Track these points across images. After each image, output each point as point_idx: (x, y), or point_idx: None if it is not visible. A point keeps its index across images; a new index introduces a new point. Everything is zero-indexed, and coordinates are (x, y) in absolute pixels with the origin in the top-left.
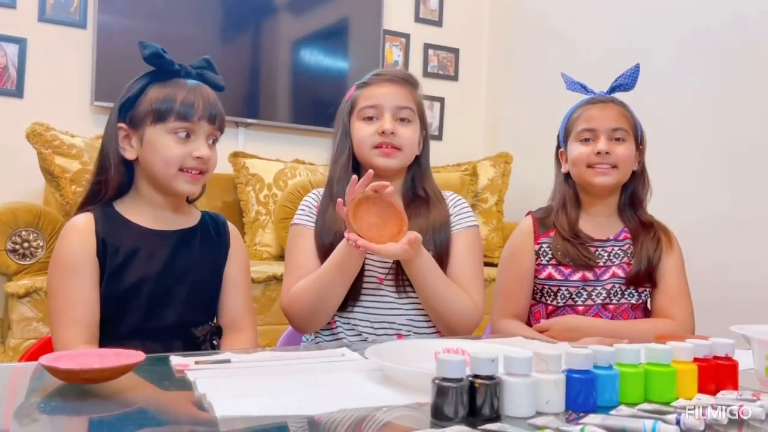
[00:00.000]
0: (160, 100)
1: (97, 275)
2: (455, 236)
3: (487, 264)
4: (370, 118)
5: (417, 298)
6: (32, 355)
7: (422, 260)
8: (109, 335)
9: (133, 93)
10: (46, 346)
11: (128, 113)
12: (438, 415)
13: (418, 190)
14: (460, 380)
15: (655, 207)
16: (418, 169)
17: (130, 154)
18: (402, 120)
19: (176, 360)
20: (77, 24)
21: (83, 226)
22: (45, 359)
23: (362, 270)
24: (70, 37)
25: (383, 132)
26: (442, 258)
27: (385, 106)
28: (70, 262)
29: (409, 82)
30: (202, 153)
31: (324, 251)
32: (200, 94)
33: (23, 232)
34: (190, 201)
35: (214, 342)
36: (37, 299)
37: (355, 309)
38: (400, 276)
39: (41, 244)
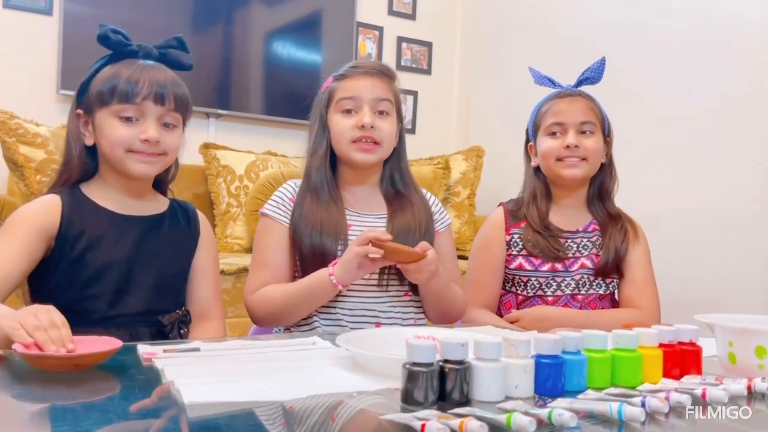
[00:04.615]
0: (104, 81)
1: (35, 250)
2: (438, 236)
3: (458, 257)
4: (348, 111)
5: (399, 288)
6: None
7: (437, 278)
8: (73, 322)
9: (86, 77)
10: None
11: (82, 98)
12: (408, 400)
13: (397, 185)
14: (430, 365)
15: (624, 200)
16: (397, 163)
17: (89, 141)
18: (381, 113)
19: (144, 348)
20: (43, 11)
21: (45, 205)
22: (23, 347)
23: None
24: (36, 24)
25: (362, 126)
26: None
27: (364, 99)
28: (13, 222)
29: (387, 75)
30: (149, 135)
31: (299, 248)
32: (147, 73)
33: None
34: (161, 186)
35: (182, 331)
36: None
37: (337, 296)
38: (384, 271)
39: None
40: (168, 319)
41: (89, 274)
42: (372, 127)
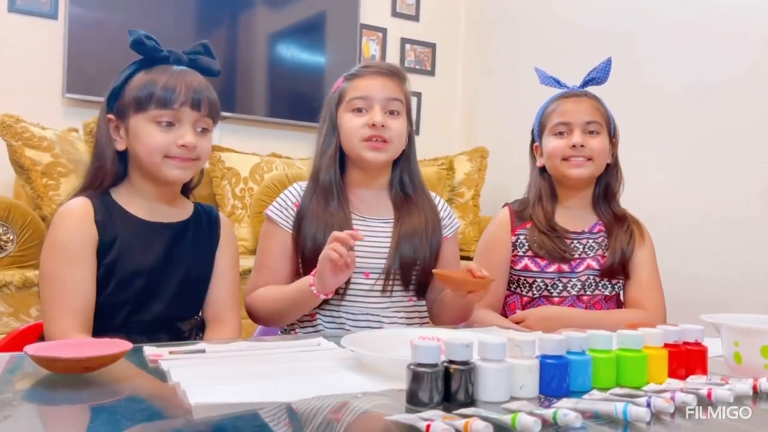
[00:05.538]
0: (141, 87)
1: (95, 265)
2: (446, 240)
3: (463, 258)
4: (359, 110)
5: (403, 293)
6: (2, 348)
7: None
8: (94, 327)
9: (118, 83)
10: (17, 339)
11: (115, 103)
12: (413, 401)
13: (407, 188)
14: (435, 366)
15: (628, 200)
16: (407, 166)
17: (120, 146)
18: (392, 113)
19: (150, 350)
20: (48, 15)
21: (82, 214)
22: (33, 349)
23: None
24: (41, 28)
25: (373, 125)
26: (434, 258)
27: (375, 98)
28: (69, 249)
29: (398, 75)
30: (187, 141)
31: (301, 251)
32: (183, 79)
33: None
34: (188, 190)
35: (199, 336)
36: (7, 293)
37: (340, 301)
38: (389, 278)
39: (11, 237)
40: (187, 325)
41: (117, 282)
42: (383, 125)
